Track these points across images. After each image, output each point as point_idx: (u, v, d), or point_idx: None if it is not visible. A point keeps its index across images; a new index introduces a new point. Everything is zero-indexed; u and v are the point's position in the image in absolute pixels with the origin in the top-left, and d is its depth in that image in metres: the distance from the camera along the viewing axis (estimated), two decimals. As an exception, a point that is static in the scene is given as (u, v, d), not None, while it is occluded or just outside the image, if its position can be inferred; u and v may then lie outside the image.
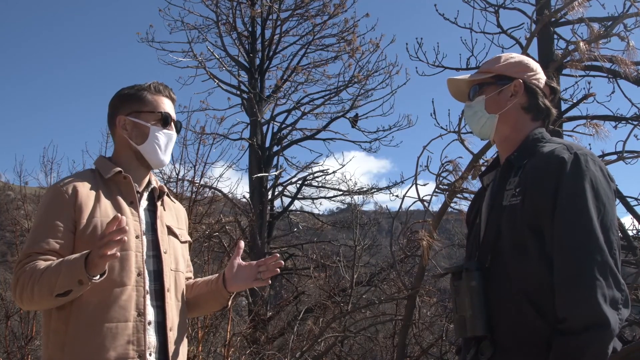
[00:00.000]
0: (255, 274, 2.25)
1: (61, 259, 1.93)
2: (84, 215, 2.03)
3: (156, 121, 2.20)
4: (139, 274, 2.04)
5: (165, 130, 2.22)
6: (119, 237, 1.80)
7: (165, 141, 2.21)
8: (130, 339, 1.98)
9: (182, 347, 2.18)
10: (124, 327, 1.98)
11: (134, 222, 2.10)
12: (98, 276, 1.88)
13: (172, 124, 2.25)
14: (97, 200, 2.07)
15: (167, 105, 2.25)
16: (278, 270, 2.27)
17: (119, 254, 1.85)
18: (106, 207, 2.07)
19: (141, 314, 2.02)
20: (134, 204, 2.13)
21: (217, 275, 2.33)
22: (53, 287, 1.87)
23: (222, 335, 6.48)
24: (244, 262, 2.29)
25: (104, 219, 2.04)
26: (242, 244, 2.32)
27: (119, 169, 2.15)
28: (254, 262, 2.28)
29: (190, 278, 2.41)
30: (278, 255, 2.27)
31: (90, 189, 2.09)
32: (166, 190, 2.31)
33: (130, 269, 2.03)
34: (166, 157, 2.23)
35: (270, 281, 2.31)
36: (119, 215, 1.82)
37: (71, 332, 1.96)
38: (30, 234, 2.05)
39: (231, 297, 2.32)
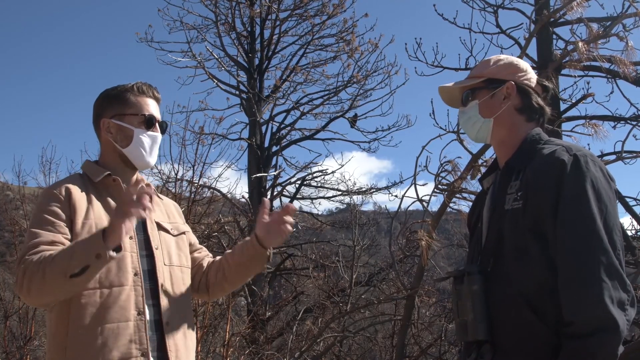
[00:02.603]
0: (282, 224, 2.20)
1: (73, 242, 1.92)
2: (78, 215, 2.03)
3: (140, 123, 2.19)
4: (135, 274, 2.05)
5: (149, 132, 2.21)
6: (146, 201, 1.82)
7: (150, 143, 2.21)
8: (132, 338, 1.98)
9: (187, 341, 2.15)
10: (125, 327, 1.98)
11: None
12: (114, 252, 1.86)
13: (157, 125, 2.24)
14: (89, 202, 2.08)
15: (151, 107, 2.23)
16: (292, 217, 2.22)
17: (145, 214, 1.84)
18: (99, 210, 2.08)
19: (141, 312, 2.02)
20: None
21: (247, 240, 2.28)
22: (67, 266, 1.83)
23: (221, 335, 6.48)
24: (270, 216, 2.24)
25: (98, 221, 2.05)
26: (267, 201, 2.28)
27: (108, 172, 2.16)
28: (277, 211, 2.23)
29: (208, 256, 2.41)
30: (290, 205, 2.24)
31: (82, 191, 2.09)
32: (153, 187, 2.29)
33: (127, 269, 2.03)
34: (152, 159, 2.23)
35: (293, 228, 2.25)
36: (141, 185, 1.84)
37: (72, 334, 1.95)
38: (28, 234, 2.03)
39: (270, 254, 2.28)
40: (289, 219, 2.22)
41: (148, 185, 2.27)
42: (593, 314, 1.60)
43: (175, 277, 2.20)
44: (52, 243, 1.95)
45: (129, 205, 1.83)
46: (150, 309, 2.08)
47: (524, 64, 2.03)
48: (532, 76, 2.01)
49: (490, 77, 1.99)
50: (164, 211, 2.33)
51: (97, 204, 2.09)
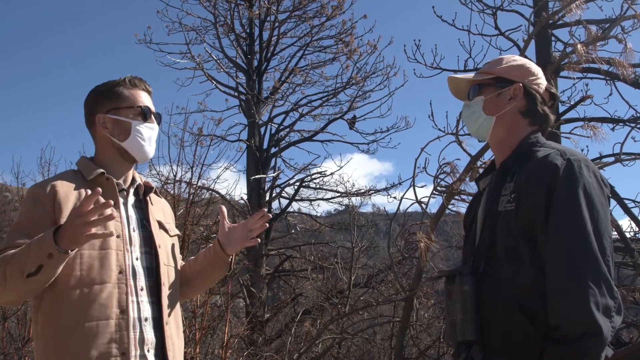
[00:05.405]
0: (246, 233, 2.32)
1: (31, 240, 1.89)
2: (63, 214, 2.00)
3: (136, 115, 2.18)
4: (120, 272, 2.02)
5: (146, 124, 2.20)
6: (101, 216, 1.77)
7: (148, 134, 2.20)
8: (112, 337, 1.96)
9: (180, 341, 2.18)
10: (105, 325, 1.95)
11: (115, 222, 2.06)
12: (70, 251, 1.83)
13: (153, 116, 2.23)
14: (77, 200, 2.04)
15: (145, 99, 2.23)
16: (267, 225, 2.32)
17: (103, 231, 1.83)
18: None
19: (124, 311, 1.99)
20: (116, 205, 2.10)
21: (210, 245, 2.37)
22: (24, 266, 1.83)
23: (219, 337, 6.48)
24: (233, 224, 2.36)
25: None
26: (223, 208, 2.38)
27: (102, 170, 2.13)
28: (243, 222, 2.35)
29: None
30: (265, 209, 2.29)
31: (71, 190, 2.06)
32: (152, 185, 2.31)
33: (110, 267, 2.01)
34: (151, 150, 2.22)
35: (259, 240, 2.37)
36: (98, 190, 1.78)
37: (55, 335, 1.95)
38: (7, 233, 2.03)
39: (233, 260, 2.37)
40: (257, 225, 2.31)
41: (147, 182, 2.28)
42: (578, 319, 1.60)
43: (172, 276, 2.22)
44: None
45: (87, 227, 1.77)
46: (152, 307, 2.08)
47: (536, 69, 2.02)
48: (542, 82, 2.00)
49: (500, 75, 1.99)
50: (161, 210, 2.33)
51: None
